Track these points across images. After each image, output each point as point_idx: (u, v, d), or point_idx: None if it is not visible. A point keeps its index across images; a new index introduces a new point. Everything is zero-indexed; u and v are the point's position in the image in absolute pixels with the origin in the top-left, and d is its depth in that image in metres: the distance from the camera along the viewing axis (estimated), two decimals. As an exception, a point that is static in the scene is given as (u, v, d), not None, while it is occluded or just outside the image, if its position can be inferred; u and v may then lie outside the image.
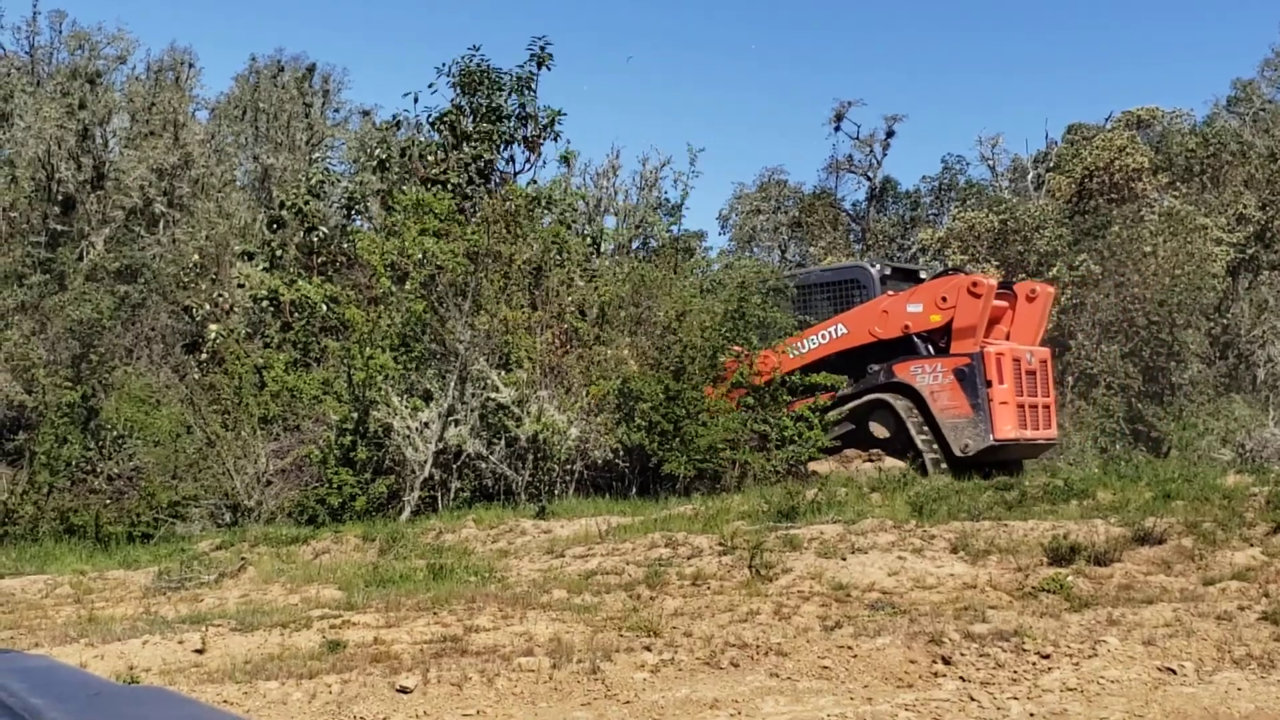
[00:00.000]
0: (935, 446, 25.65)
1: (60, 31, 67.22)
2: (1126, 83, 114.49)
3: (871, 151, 63.23)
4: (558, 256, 27.99)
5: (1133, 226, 41.43)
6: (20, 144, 50.76)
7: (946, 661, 11.72)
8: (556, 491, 24.03)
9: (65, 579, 18.71)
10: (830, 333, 27.10)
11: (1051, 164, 54.45)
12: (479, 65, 36.84)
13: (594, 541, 18.30)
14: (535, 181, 37.57)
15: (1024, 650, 11.76)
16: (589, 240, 36.05)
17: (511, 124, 37.32)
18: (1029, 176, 56.90)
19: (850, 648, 12.11)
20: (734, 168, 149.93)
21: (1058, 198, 48.49)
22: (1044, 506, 18.45)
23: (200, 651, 12.56)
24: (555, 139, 38.21)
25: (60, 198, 48.65)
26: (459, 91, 37.16)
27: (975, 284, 26.38)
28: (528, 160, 37.91)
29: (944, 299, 26.21)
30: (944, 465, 25.21)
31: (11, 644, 13.29)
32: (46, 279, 43.51)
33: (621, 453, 24.74)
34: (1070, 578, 14.27)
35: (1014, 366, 26.19)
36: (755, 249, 63.01)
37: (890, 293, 27.29)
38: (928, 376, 26.00)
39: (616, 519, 20.03)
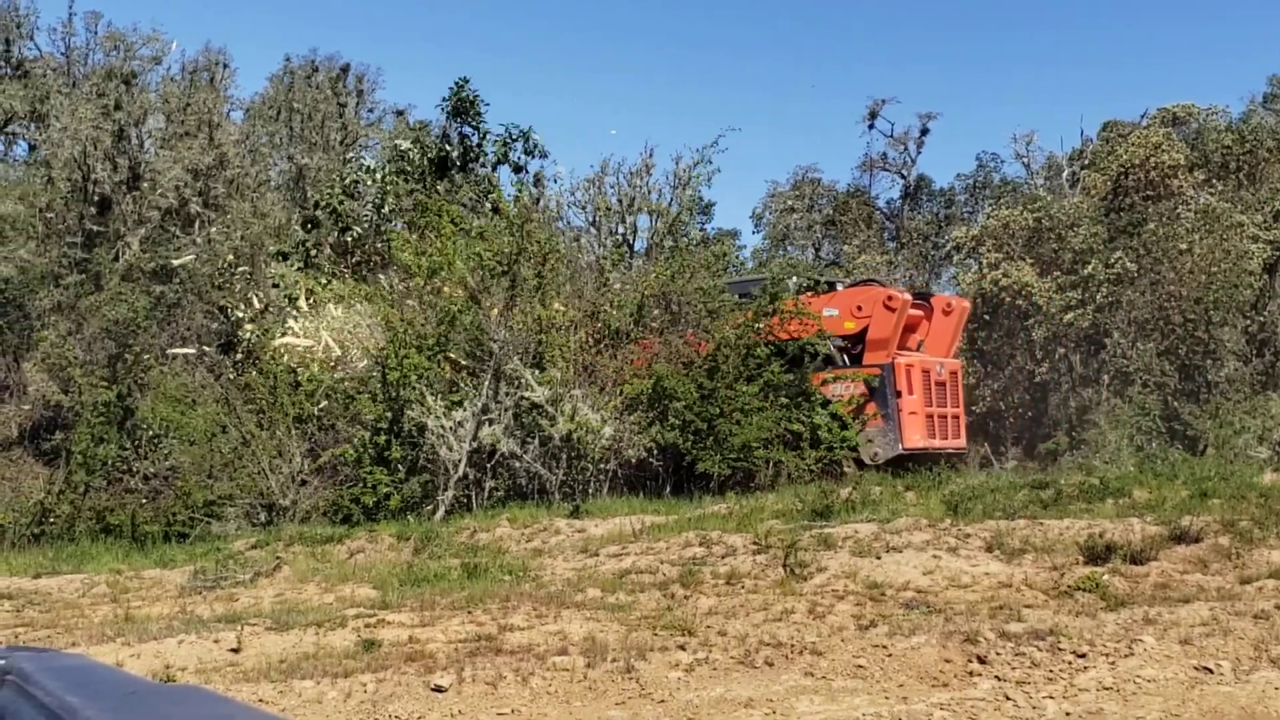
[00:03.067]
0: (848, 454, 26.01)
1: (96, 33, 67.46)
2: (1162, 80, 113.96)
3: (905, 149, 63.08)
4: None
5: (1169, 224, 41.20)
6: (56, 145, 51.01)
7: (982, 661, 11.68)
8: (590, 490, 24.03)
9: (102, 578, 18.78)
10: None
11: (1087, 161, 54.19)
12: (468, 95, 37.97)
13: (628, 540, 18.29)
14: (538, 200, 38.09)
15: (1060, 649, 11.71)
16: (621, 239, 36.09)
17: (496, 146, 38.23)
18: (1064, 174, 56.62)
19: (885, 647, 12.09)
20: (768, 166, 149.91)
21: (1093, 195, 48.24)
22: (1080, 505, 18.36)
23: (236, 650, 12.60)
24: (542, 157, 39.04)
25: (96, 198, 48.87)
26: (450, 118, 38.11)
27: (890, 297, 26.94)
28: (513, 182, 38.56)
29: (859, 308, 26.73)
30: (855, 472, 25.46)
31: (49, 643, 13.35)
32: (83, 279, 43.73)
33: (655, 451, 24.72)
34: (1106, 577, 14.21)
35: (924, 378, 26.81)
36: (789, 248, 62.91)
37: (808, 296, 27.66)
38: (839, 385, 26.32)
39: (650, 518, 20.02)
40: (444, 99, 38.33)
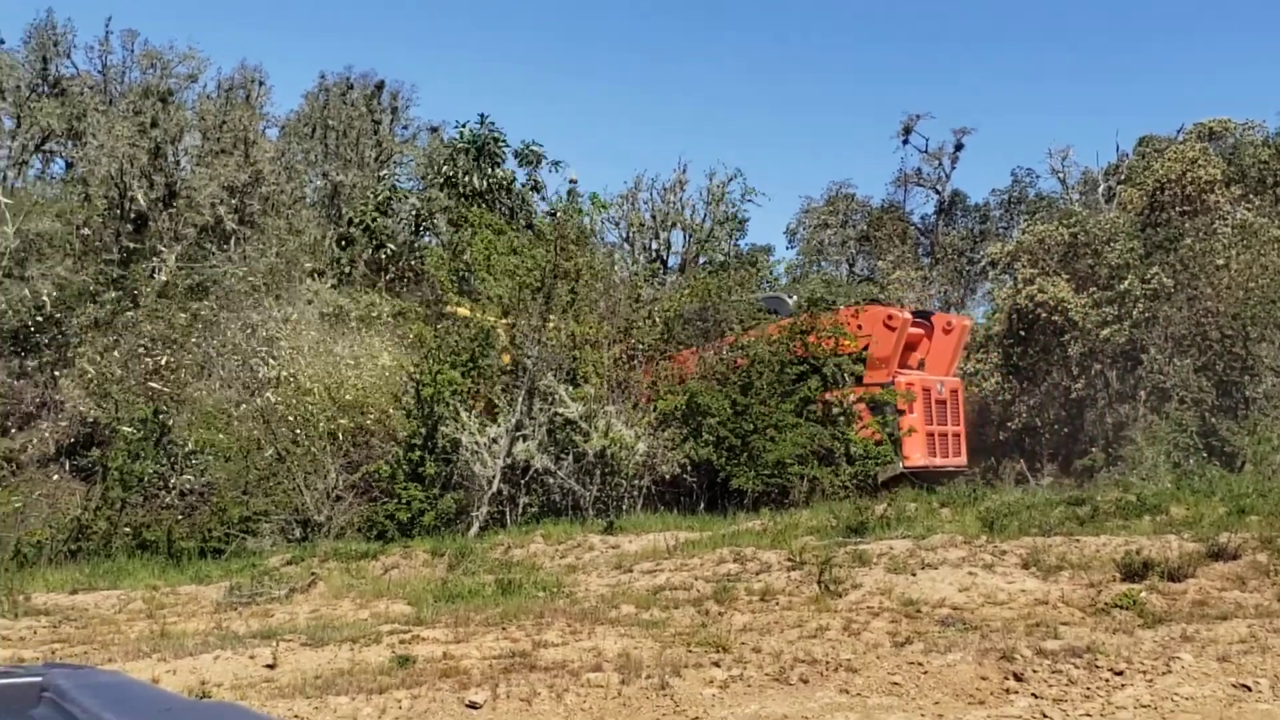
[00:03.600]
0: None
1: (132, 50, 67.84)
2: (1198, 94, 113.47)
3: (940, 164, 62.99)
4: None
5: (1205, 239, 41.01)
6: (93, 162, 51.29)
7: (1018, 678, 11.62)
8: (624, 506, 24.02)
9: (138, 594, 18.83)
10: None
11: (1123, 176, 54.01)
12: (488, 132, 38.22)
13: (662, 557, 18.27)
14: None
15: (1097, 667, 11.65)
16: (655, 255, 36.13)
17: (513, 167, 38.52)
18: (1100, 189, 56.43)
19: (921, 664, 12.04)
20: (801, 182, 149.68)
21: (1129, 210, 48.04)
22: (1116, 522, 18.27)
23: (271, 666, 12.61)
24: (553, 168, 39.20)
25: (133, 215, 49.09)
26: (472, 157, 38.45)
27: (890, 316, 27.02)
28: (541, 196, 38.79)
29: (860, 327, 26.63)
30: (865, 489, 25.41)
31: (85, 659, 13.39)
32: (119, 296, 43.92)
33: (689, 467, 24.70)
34: (1143, 594, 14.14)
35: (924, 396, 26.64)
36: (823, 263, 62.85)
37: (808, 315, 27.61)
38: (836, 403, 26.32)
39: (684, 534, 20.00)
40: (466, 140, 38.46)
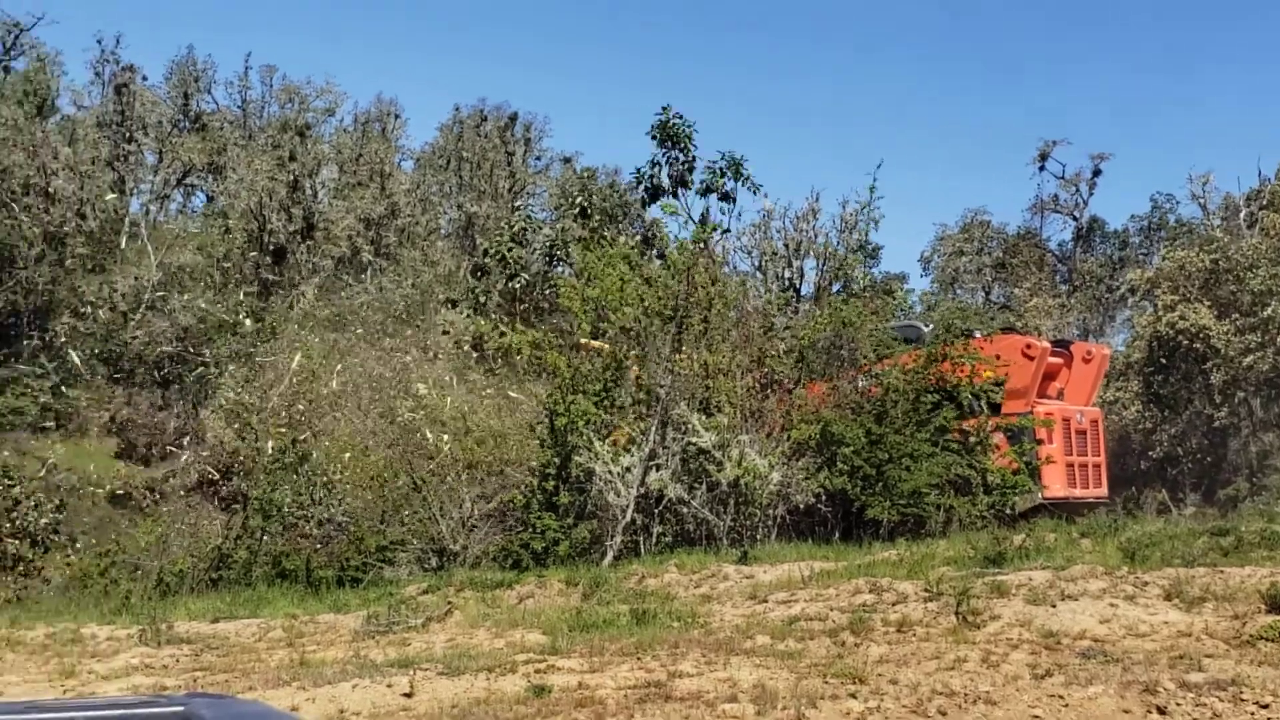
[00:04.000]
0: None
1: (271, 85, 69.11)
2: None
3: (1077, 190, 62.34)
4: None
5: (1351, 264, 40.22)
6: (233, 196, 52.20)
7: (1161, 711, 11.42)
8: (758, 536, 23.94)
9: (278, 622, 19.05)
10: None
11: (1265, 201, 53.02)
12: (672, 121, 37.61)
13: (797, 587, 18.17)
14: (725, 229, 37.96)
15: (1242, 700, 11.41)
16: (787, 283, 36.03)
17: (706, 176, 37.91)
18: (1241, 214, 55.45)
19: (1061, 696, 11.86)
20: (936, 209, 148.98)
21: (1272, 236, 47.15)
22: (1261, 553, 17.89)
23: (408, 695, 12.69)
24: (754, 191, 38.54)
25: (271, 248, 49.86)
26: (659, 144, 37.82)
27: (1029, 345, 26.58)
28: (721, 212, 38.35)
29: (998, 357, 26.19)
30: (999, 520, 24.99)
31: (226, 688, 13.56)
32: (259, 327, 44.57)
33: (823, 497, 24.57)
34: (1290, 626, 13.83)
35: (1064, 426, 26.13)
36: (958, 290, 62.40)
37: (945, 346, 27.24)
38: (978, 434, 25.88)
39: (819, 564, 19.88)
40: (652, 126, 38.26)
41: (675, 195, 38.42)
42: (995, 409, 26.26)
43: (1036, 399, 26.46)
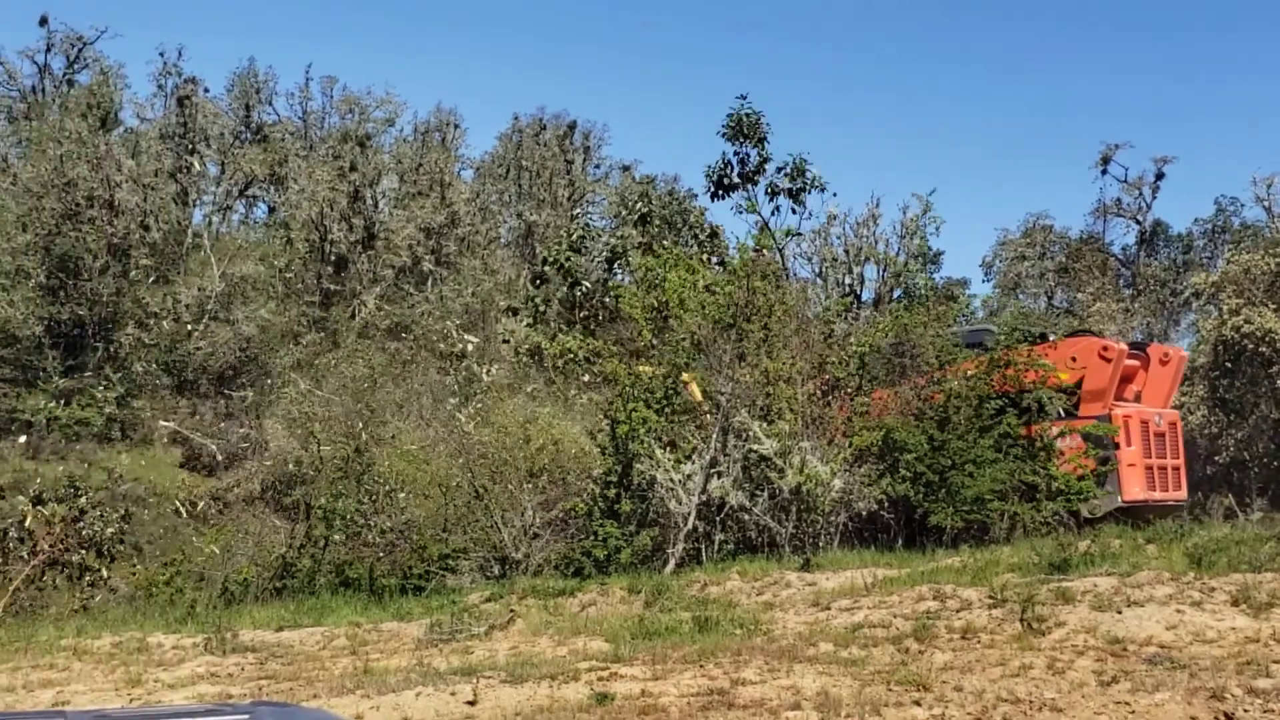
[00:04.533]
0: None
1: (331, 96, 69.55)
2: None
3: (1140, 194, 61.93)
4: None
5: None
6: (295, 206, 52.53)
7: (1229, 717, 11.31)
8: (820, 543, 23.87)
9: (341, 630, 19.12)
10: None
11: (1331, 203, 52.59)
12: (746, 113, 37.48)
13: (860, 594, 18.10)
14: (796, 233, 37.83)
15: (1312, 707, 11.30)
16: (848, 289, 35.95)
17: (776, 175, 37.80)
18: (1307, 217, 55.02)
19: (1128, 703, 11.77)
20: (997, 214, 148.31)
21: (1338, 238, 46.79)
22: (1330, 558, 17.72)
23: (471, 703, 12.71)
24: (821, 190, 38.44)
25: (333, 258, 50.14)
26: (730, 140, 37.78)
27: (1106, 348, 26.23)
28: (792, 210, 38.23)
29: (1074, 359, 26.07)
30: (1072, 526, 24.71)
31: (290, 696, 13.62)
32: (321, 337, 44.83)
33: (886, 504, 24.48)
34: (1361, 632, 13.68)
35: (1142, 429, 25.91)
36: (1020, 295, 62.07)
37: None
38: (1058, 439, 25.61)
39: (882, 571, 19.80)
40: (723, 122, 38.23)
41: (745, 191, 38.38)
42: (1070, 412, 26.07)
43: (1114, 401, 26.23)
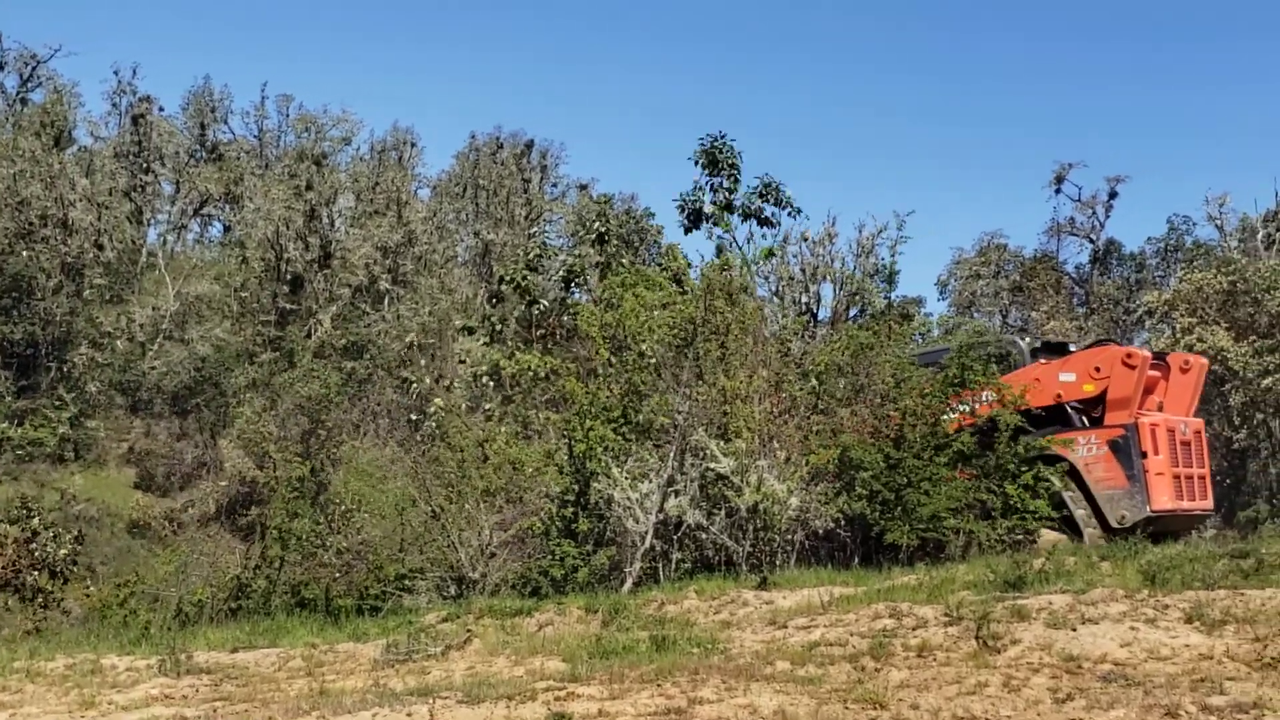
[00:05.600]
0: (1093, 518, 25.23)
1: (287, 115, 69.58)
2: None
3: (1094, 213, 62.43)
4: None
5: (1370, 285, 40.13)
6: (250, 225, 52.47)
7: (1184, 735, 11.36)
8: (778, 561, 23.89)
9: (297, 652, 19.03)
10: (982, 401, 26.69)
11: (1283, 223, 53.04)
12: (719, 145, 37.81)
13: (816, 612, 18.12)
14: (772, 253, 38.07)
15: (1265, 723, 11.37)
16: (804, 308, 36.05)
17: (748, 200, 38.08)
18: (1259, 236, 55.46)
19: (1083, 721, 11.81)
20: (952, 233, 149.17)
21: (1289, 256, 47.13)
22: (1283, 574, 17.83)
23: (428, 724, 12.66)
24: (795, 214, 38.75)
25: (289, 277, 50.07)
26: (703, 170, 38.02)
27: (1130, 355, 26.04)
28: (763, 236, 38.51)
29: (1097, 369, 25.92)
30: (1100, 537, 24.72)
31: (245, 717, 13.56)
32: (276, 356, 44.73)
33: (843, 522, 24.53)
34: (1312, 648, 13.77)
35: (1169, 437, 25.87)
36: (975, 314, 62.40)
37: (1042, 362, 26.96)
38: (1082, 448, 25.60)
39: (839, 589, 19.81)
40: (696, 152, 38.42)
41: (716, 222, 38.59)
42: (1096, 423, 26.05)
43: (1138, 411, 26.10)
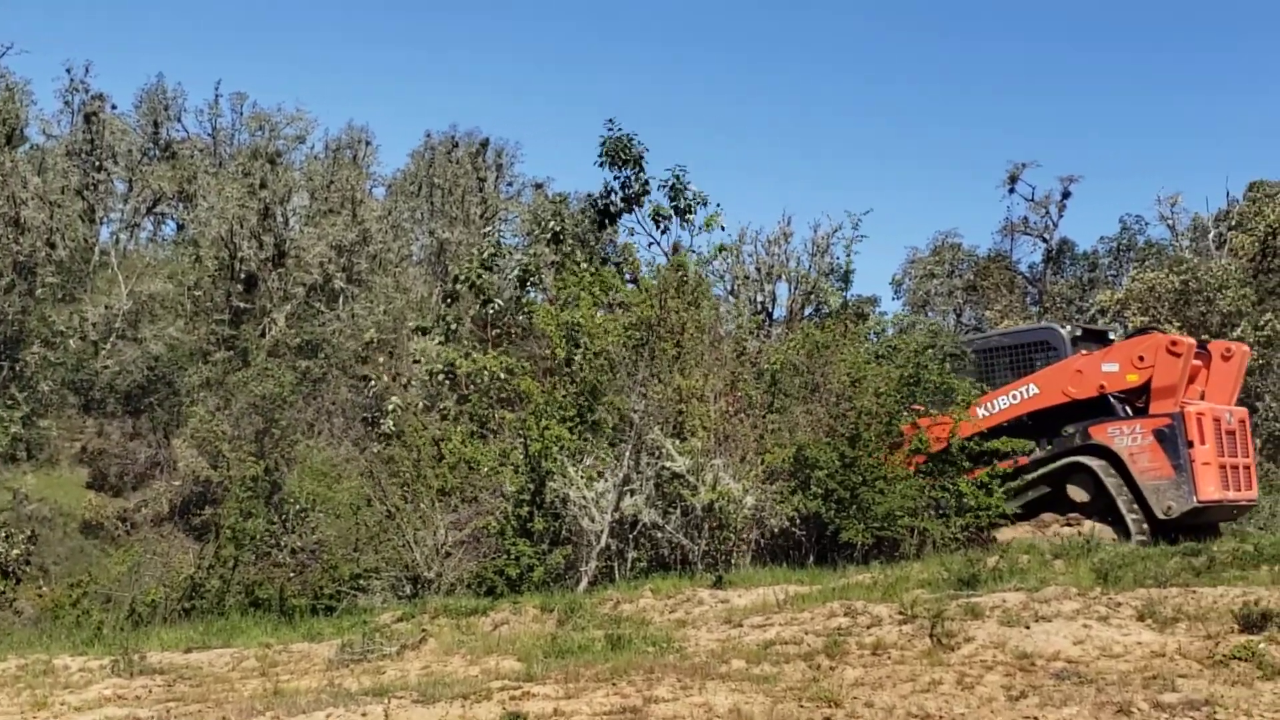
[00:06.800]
0: (1137, 510, 25.02)
1: (241, 113, 69.32)
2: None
3: (1047, 213, 62.69)
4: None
5: (1319, 284, 40.42)
6: (204, 224, 52.18)
7: (1136, 732, 11.42)
8: (733, 560, 23.91)
9: (251, 652, 18.95)
10: (1021, 393, 26.53)
11: (1233, 222, 53.34)
12: (619, 138, 37.65)
13: (772, 611, 18.15)
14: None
15: (1215, 719, 11.44)
16: (760, 307, 36.10)
17: (659, 195, 38.03)
18: (1210, 235, 55.80)
19: (1036, 718, 11.87)
20: (907, 232, 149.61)
21: (1240, 256, 47.45)
22: (1234, 572, 17.95)
23: (383, 724, 12.64)
24: (704, 204, 38.66)
25: (243, 276, 49.84)
26: (607, 167, 37.93)
27: (1174, 343, 25.67)
28: (680, 226, 38.42)
29: (1141, 358, 25.57)
30: (1145, 528, 24.60)
31: (199, 718, 13.52)
32: (230, 356, 44.53)
33: (798, 521, 24.57)
34: (1262, 645, 13.84)
35: (1215, 426, 25.44)
36: (930, 313, 62.62)
37: (1083, 353, 26.72)
38: (1126, 438, 25.35)
39: (794, 588, 19.85)
40: (600, 149, 38.31)
41: (630, 213, 38.61)
42: (1139, 412, 25.83)
43: (1183, 400, 25.79)
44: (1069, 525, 25.26)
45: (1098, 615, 15.67)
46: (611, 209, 38.62)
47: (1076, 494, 25.80)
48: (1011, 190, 62.29)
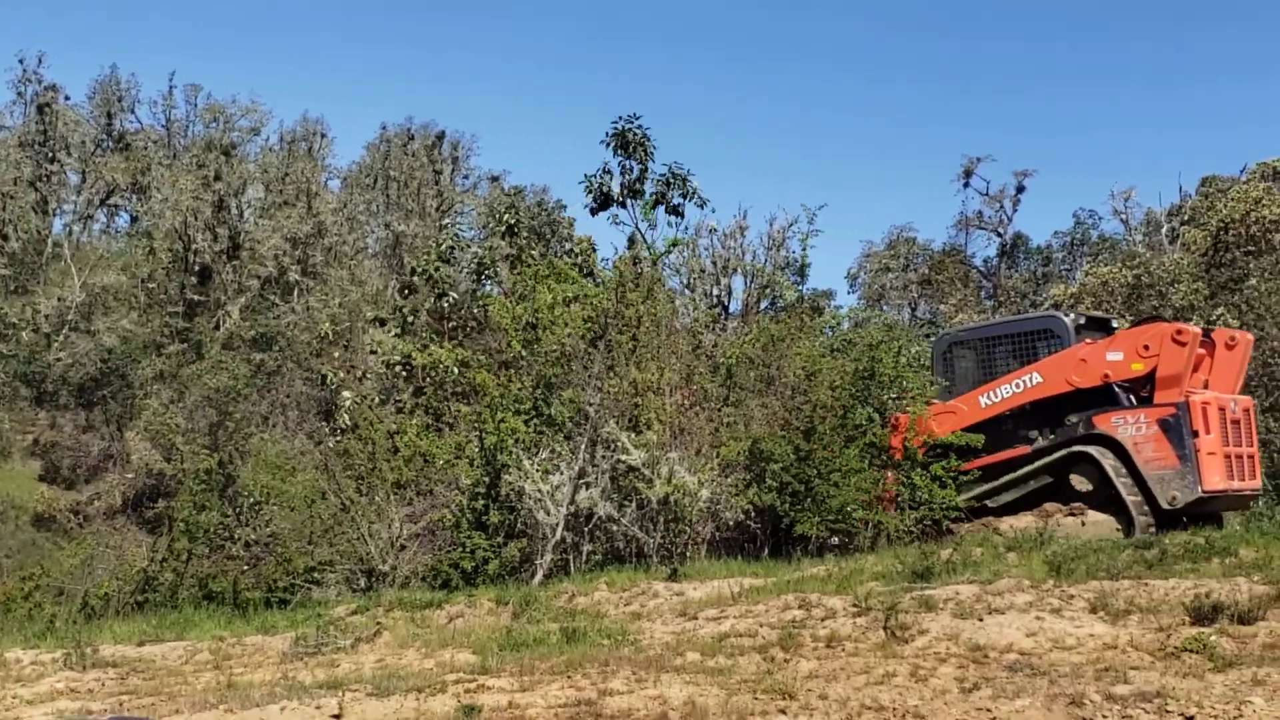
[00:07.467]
0: (1142, 499, 24.99)
1: (195, 105, 68.93)
2: (1260, 135, 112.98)
3: (1001, 207, 62.96)
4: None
5: (1271, 279, 40.61)
6: (158, 216, 51.92)
7: (1088, 723, 11.50)
8: (688, 553, 23.94)
9: (204, 645, 18.90)
10: (1024, 381, 26.39)
11: (1186, 217, 53.67)
12: (635, 130, 37.75)
13: (727, 603, 18.19)
14: (676, 242, 38.13)
15: (1167, 711, 11.52)
16: (715, 300, 36.15)
17: (658, 188, 38.09)
18: (1163, 230, 56.10)
19: (989, 710, 11.94)
20: (862, 226, 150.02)
21: (1193, 251, 47.72)
22: (1185, 565, 18.05)
23: (337, 717, 12.63)
24: (701, 206, 38.78)
25: (197, 268, 49.64)
26: (614, 152, 37.96)
27: (1179, 331, 25.53)
28: (669, 224, 38.52)
29: (1146, 347, 25.44)
30: (1150, 518, 24.58)
31: (152, 711, 13.46)
32: (184, 348, 44.34)
33: (753, 514, 24.61)
34: (1213, 637, 13.96)
35: (1220, 416, 25.37)
36: (885, 307, 62.75)
37: (1087, 341, 26.69)
38: (1131, 427, 25.19)
39: (749, 580, 19.89)
40: (608, 133, 38.32)
41: (624, 205, 38.62)
42: (1145, 402, 25.75)
43: (1188, 389, 25.68)
44: (1072, 515, 25.17)
45: (1050, 608, 15.76)
46: (606, 190, 38.61)
47: (1080, 484, 25.74)
48: (966, 185, 62.62)
